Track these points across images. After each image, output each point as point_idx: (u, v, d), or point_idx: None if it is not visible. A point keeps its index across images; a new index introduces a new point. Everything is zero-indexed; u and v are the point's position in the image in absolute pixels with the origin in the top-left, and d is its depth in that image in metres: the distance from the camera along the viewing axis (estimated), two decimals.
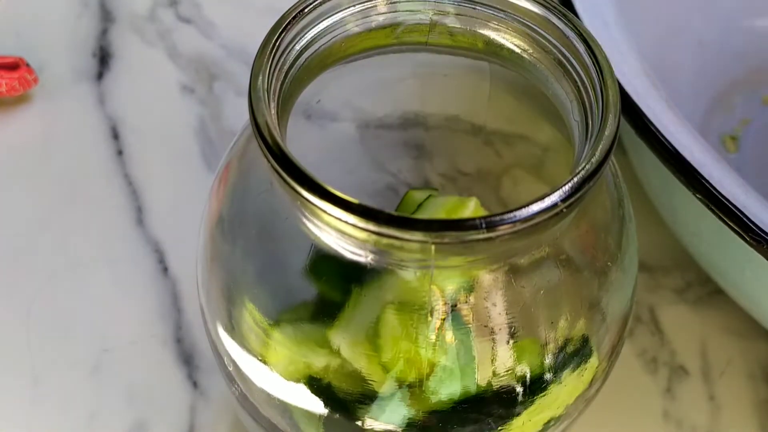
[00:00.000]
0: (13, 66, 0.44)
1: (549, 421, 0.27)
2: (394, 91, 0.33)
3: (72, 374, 0.36)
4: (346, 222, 0.22)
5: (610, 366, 0.28)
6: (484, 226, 0.21)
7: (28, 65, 0.44)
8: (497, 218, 0.21)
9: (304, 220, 0.24)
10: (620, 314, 0.27)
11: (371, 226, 0.21)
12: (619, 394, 0.36)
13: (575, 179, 0.22)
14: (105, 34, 0.47)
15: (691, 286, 0.40)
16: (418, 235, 0.21)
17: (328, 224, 0.22)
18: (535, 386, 0.25)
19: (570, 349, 0.25)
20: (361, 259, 0.23)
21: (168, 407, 0.36)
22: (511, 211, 0.21)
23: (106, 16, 0.48)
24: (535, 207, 0.21)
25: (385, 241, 0.22)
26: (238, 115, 0.45)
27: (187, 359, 0.37)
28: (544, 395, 0.25)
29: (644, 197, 0.39)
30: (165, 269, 0.39)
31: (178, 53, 0.47)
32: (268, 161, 0.23)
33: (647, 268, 0.40)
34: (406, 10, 0.27)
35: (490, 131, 0.35)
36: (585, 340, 0.26)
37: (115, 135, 0.44)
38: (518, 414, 0.25)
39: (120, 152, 0.43)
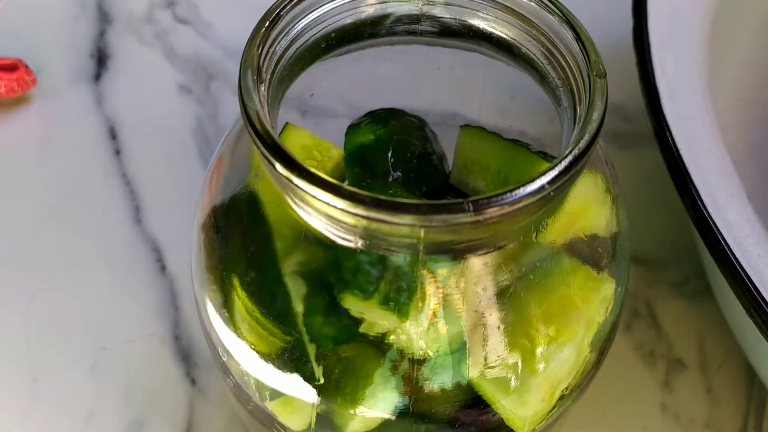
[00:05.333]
0: (12, 67, 0.44)
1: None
2: (388, 86, 0.33)
3: (70, 372, 0.36)
4: (335, 207, 0.22)
5: (603, 354, 0.28)
6: (471, 209, 0.21)
7: (26, 66, 0.44)
8: (485, 201, 0.21)
9: (295, 207, 0.24)
10: (612, 301, 0.27)
11: (360, 211, 0.21)
12: (617, 388, 0.36)
13: (562, 163, 0.22)
14: (103, 36, 0.48)
15: (689, 279, 0.40)
16: (406, 219, 0.21)
17: (317, 210, 0.22)
18: (525, 372, 0.25)
19: (559, 336, 0.25)
20: (351, 245, 0.23)
21: (166, 404, 0.36)
22: (499, 194, 0.21)
23: (104, 18, 0.48)
24: (522, 190, 0.22)
25: (374, 225, 0.22)
26: (235, 114, 0.45)
27: (185, 356, 0.37)
28: (535, 381, 0.25)
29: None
30: (163, 267, 0.39)
31: (176, 54, 0.47)
32: (259, 149, 0.23)
33: (644, 263, 0.40)
34: (396, 1, 0.27)
35: (485, 126, 0.35)
36: (574, 328, 0.26)
37: (113, 135, 0.44)
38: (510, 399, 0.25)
39: (118, 152, 0.43)
